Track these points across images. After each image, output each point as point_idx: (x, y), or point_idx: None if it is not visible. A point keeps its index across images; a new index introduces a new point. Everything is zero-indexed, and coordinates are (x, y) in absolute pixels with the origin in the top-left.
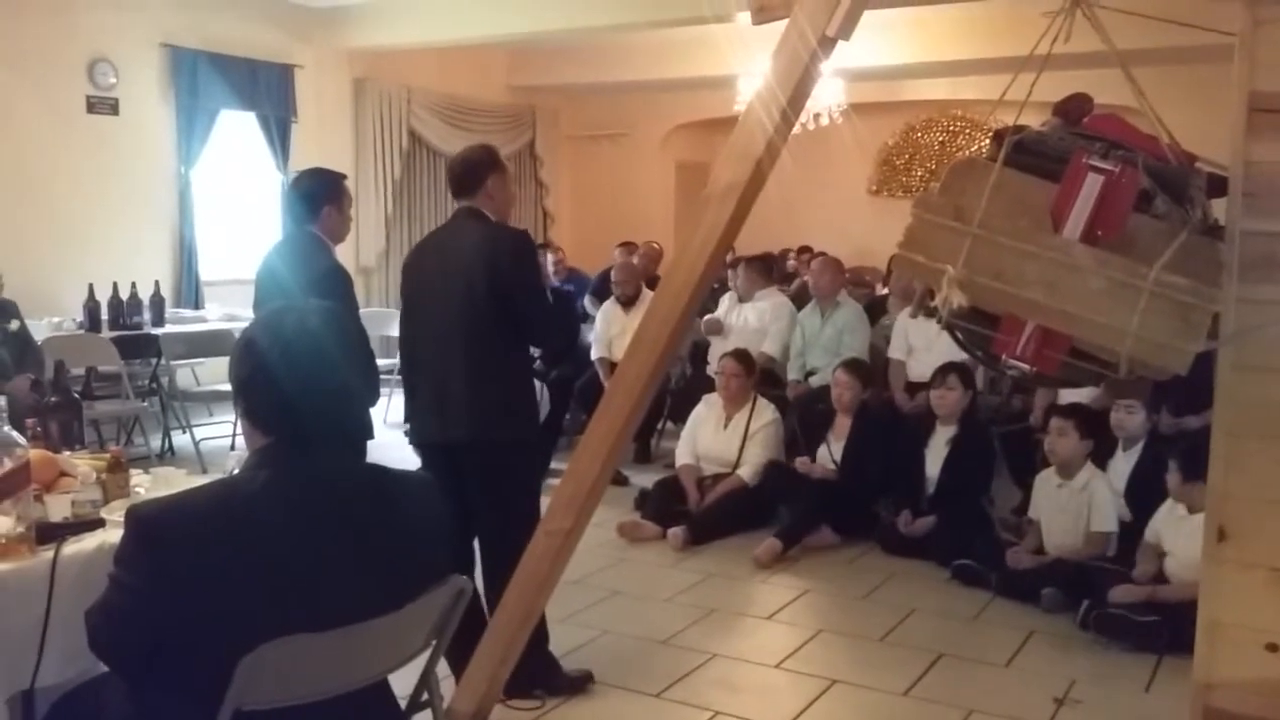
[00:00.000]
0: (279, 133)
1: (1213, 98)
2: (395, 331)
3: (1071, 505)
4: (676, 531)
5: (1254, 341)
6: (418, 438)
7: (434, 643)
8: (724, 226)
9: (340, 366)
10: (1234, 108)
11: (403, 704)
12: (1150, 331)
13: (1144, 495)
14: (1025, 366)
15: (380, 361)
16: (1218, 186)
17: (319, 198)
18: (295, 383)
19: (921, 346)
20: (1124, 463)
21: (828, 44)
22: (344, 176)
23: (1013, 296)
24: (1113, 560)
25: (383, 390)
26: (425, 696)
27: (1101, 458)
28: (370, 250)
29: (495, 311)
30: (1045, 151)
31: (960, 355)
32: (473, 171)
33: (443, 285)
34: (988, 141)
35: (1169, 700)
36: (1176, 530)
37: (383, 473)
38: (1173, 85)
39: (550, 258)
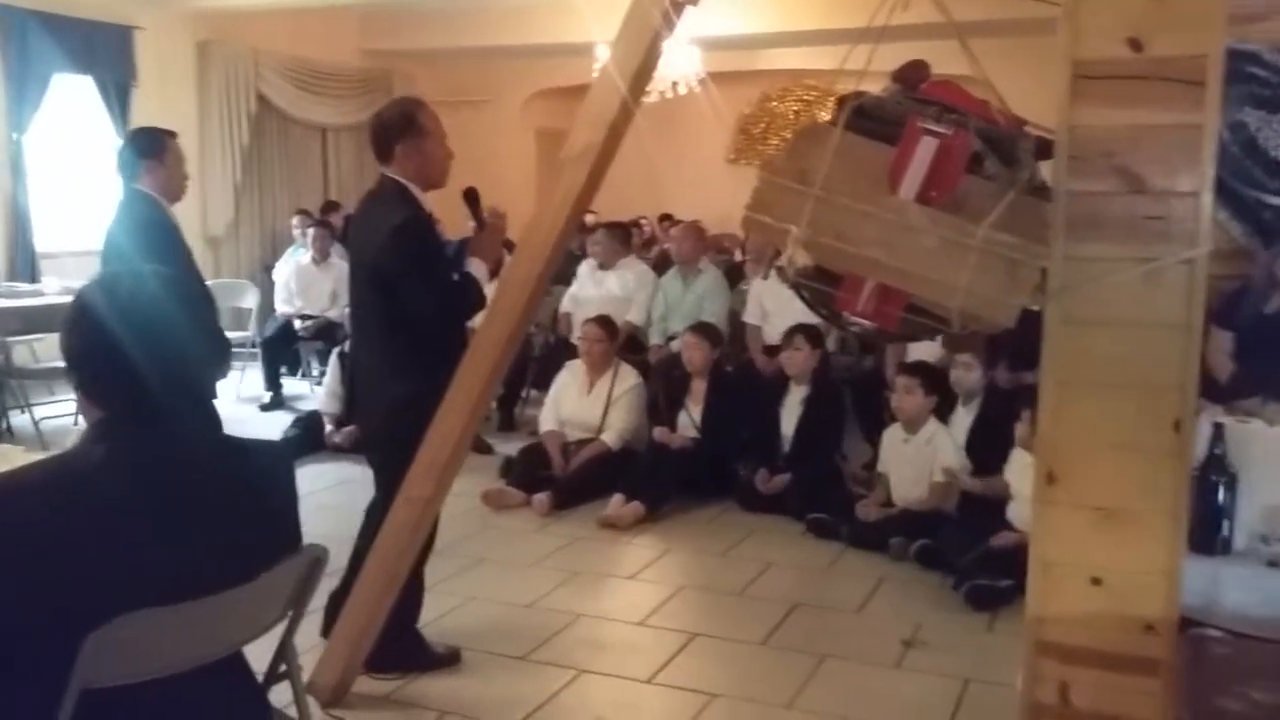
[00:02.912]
0: (118, 98)
1: (1042, 67)
2: (247, 303)
3: (917, 458)
4: (541, 497)
5: (1079, 296)
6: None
7: (291, 613)
8: (579, 190)
9: (182, 332)
10: (1059, 75)
11: (261, 678)
12: (980, 287)
13: (983, 447)
14: (866, 323)
15: (232, 335)
16: (1045, 149)
17: (139, 154)
18: (134, 351)
19: (776, 310)
20: (964, 417)
21: (678, 9)
22: (169, 133)
23: (853, 255)
24: (957, 509)
25: (236, 364)
26: (284, 668)
27: (943, 413)
28: (219, 219)
29: (384, 302)
30: (883, 116)
31: (814, 318)
32: (380, 137)
33: (351, 265)
34: None
35: (1008, 638)
36: (1024, 478)
37: (232, 442)
38: (1006, 55)
39: None
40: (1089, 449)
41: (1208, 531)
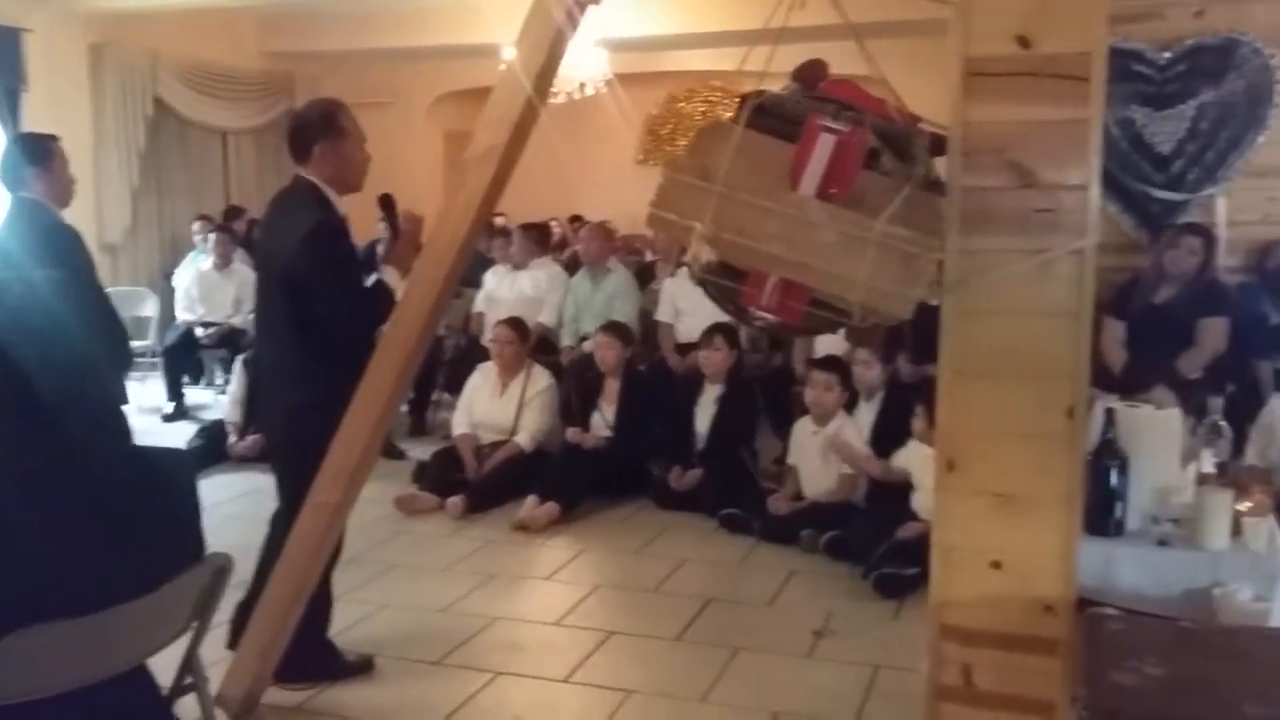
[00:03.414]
0: (8, 103)
1: (936, 66)
2: (147, 312)
3: (827, 450)
4: (455, 501)
5: (974, 288)
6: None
7: (196, 624)
8: (485, 191)
9: (75, 337)
10: (951, 73)
11: (167, 691)
12: (879, 280)
13: (887, 439)
14: (770, 317)
15: (131, 344)
16: (939, 145)
17: (26, 161)
18: (25, 356)
19: (688, 309)
20: (867, 413)
21: (581, 8)
22: (53, 138)
23: (756, 251)
24: (864, 500)
25: (136, 374)
26: (189, 680)
27: (848, 408)
28: (115, 226)
29: (293, 306)
30: (783, 114)
31: (726, 317)
32: (299, 137)
33: (260, 268)
34: None
35: (914, 624)
36: (925, 469)
37: (132, 449)
38: (902, 55)
39: None
40: (986, 437)
41: (1102, 514)
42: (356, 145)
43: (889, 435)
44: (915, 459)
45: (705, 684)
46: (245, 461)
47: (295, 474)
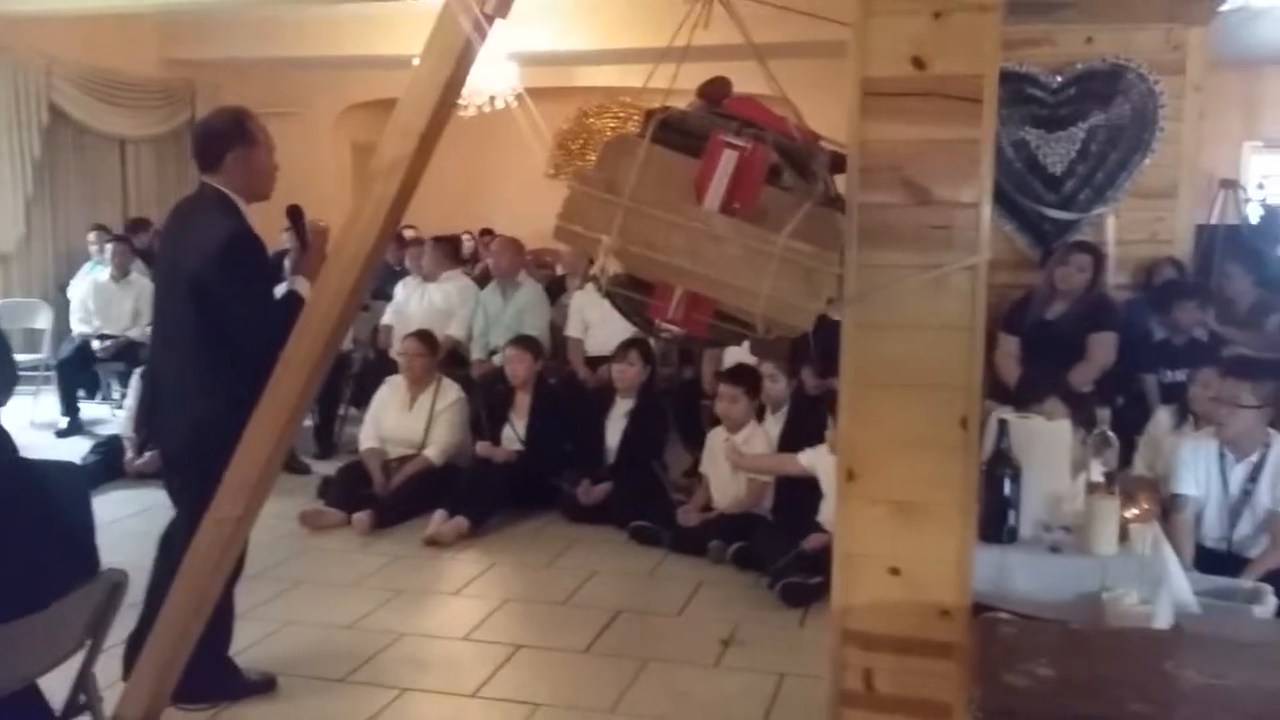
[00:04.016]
0: None
1: (836, 86)
2: (40, 324)
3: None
4: (361, 516)
5: (872, 302)
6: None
7: (90, 642)
8: (391, 201)
9: None
10: (850, 93)
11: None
12: (781, 293)
13: (794, 450)
14: (676, 329)
15: (24, 357)
16: (839, 163)
17: None
18: None
19: (597, 322)
20: (774, 425)
21: (489, 18)
22: None
23: (662, 264)
24: (771, 512)
25: (29, 388)
26: (83, 699)
27: (758, 417)
28: (8, 235)
29: (202, 316)
30: (688, 129)
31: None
32: (209, 145)
33: (163, 276)
34: None
35: (818, 632)
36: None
37: (21, 462)
38: (804, 75)
39: None
40: (885, 446)
41: (996, 521)
42: (267, 153)
43: (795, 448)
44: (824, 466)
45: (614, 695)
46: (143, 478)
47: (196, 488)
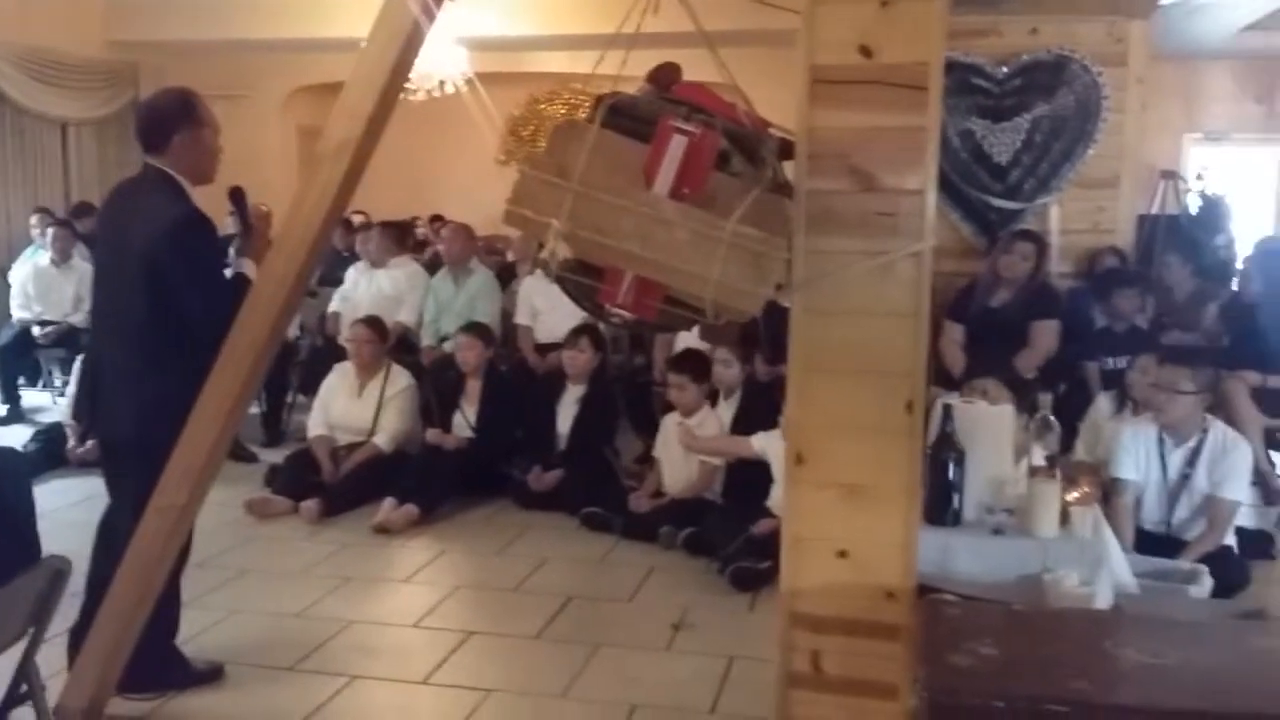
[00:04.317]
0: None
1: (786, 74)
2: None
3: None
4: (309, 504)
5: (820, 288)
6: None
7: (32, 630)
8: (338, 185)
9: None
10: (798, 80)
11: None
12: (730, 278)
13: (747, 435)
14: (627, 314)
15: None
16: (788, 150)
17: None
18: None
19: (546, 309)
20: (726, 411)
21: (435, 3)
22: None
23: (612, 249)
24: (721, 497)
25: None
26: (24, 689)
27: (712, 400)
28: None
29: (151, 298)
30: (638, 115)
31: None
32: (156, 126)
33: (106, 258)
34: None
35: (768, 616)
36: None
37: None
38: (755, 63)
39: None
40: (832, 431)
41: (940, 504)
42: (214, 135)
43: (748, 432)
44: (775, 450)
45: (565, 680)
46: (85, 466)
47: (140, 475)
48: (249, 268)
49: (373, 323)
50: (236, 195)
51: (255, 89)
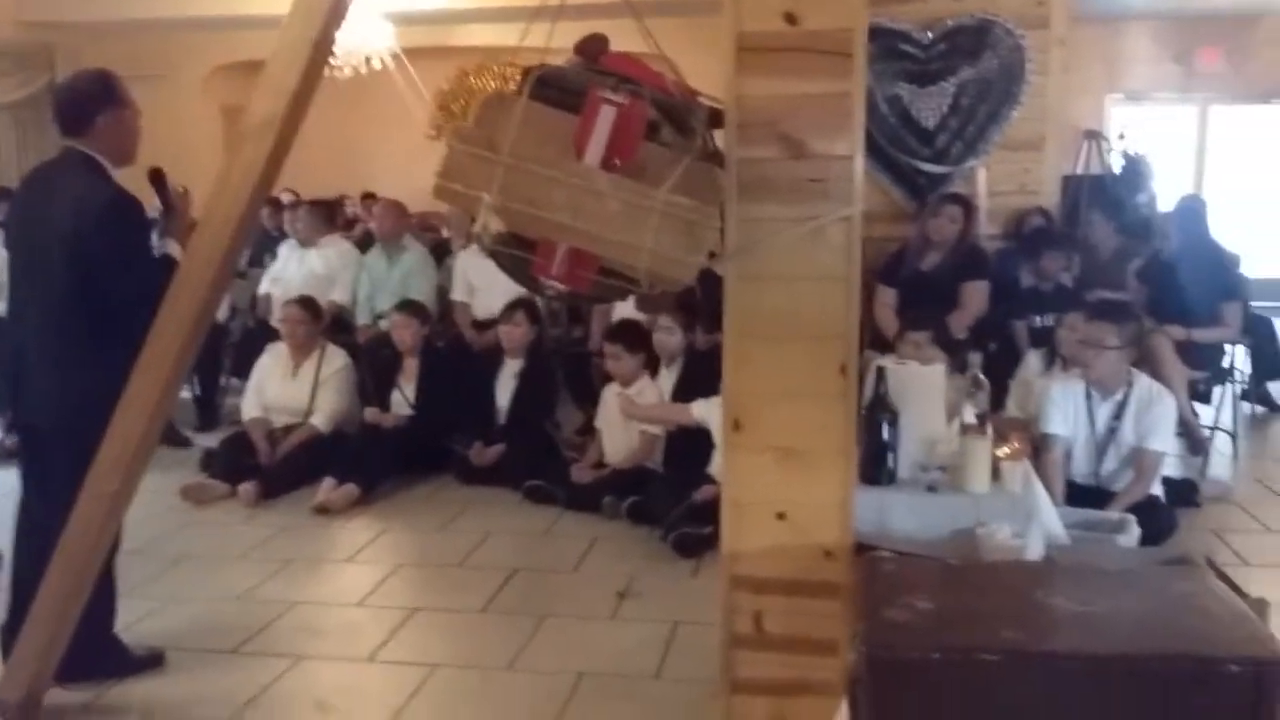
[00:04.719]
0: None
1: (713, 43)
2: None
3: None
4: (247, 487)
5: (753, 255)
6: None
7: None
8: (263, 163)
9: None
10: (725, 49)
11: None
12: (663, 247)
13: (688, 402)
14: (561, 286)
15: None
16: (718, 119)
17: None
18: None
19: (482, 285)
20: (667, 379)
21: None
22: None
23: (544, 221)
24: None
25: None
26: None
27: (651, 373)
28: None
29: (76, 282)
30: (566, 85)
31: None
32: (77, 108)
33: (26, 241)
34: None
35: (711, 580)
36: None
37: None
38: (681, 32)
39: None
40: (768, 395)
41: (875, 464)
42: (135, 116)
43: (689, 400)
44: (715, 418)
45: (511, 652)
46: (13, 458)
47: (67, 463)
48: (174, 249)
49: (306, 303)
50: (156, 176)
51: (176, 69)
